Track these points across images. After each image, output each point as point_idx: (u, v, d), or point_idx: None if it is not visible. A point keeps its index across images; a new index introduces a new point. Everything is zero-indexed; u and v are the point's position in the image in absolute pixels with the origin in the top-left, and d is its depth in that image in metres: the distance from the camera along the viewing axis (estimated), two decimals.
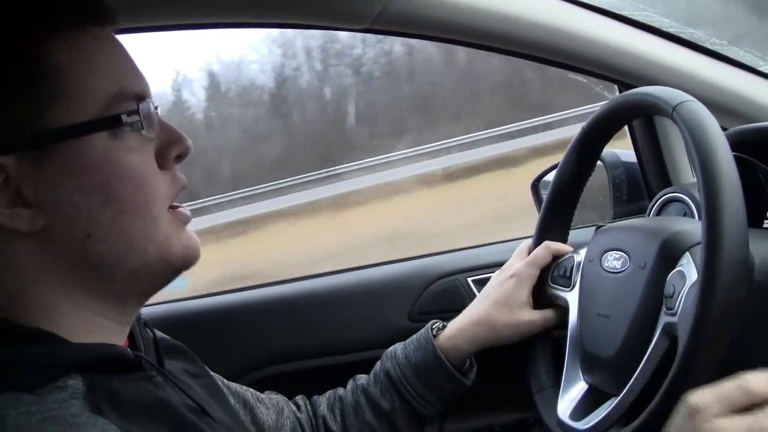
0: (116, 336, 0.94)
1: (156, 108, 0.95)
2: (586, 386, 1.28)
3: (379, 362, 1.45)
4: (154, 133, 0.92)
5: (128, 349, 0.93)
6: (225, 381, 1.29)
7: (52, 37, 0.86)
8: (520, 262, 1.45)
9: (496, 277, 1.47)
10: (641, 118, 1.75)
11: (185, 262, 0.95)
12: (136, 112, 0.89)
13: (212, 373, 1.24)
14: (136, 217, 0.89)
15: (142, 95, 0.92)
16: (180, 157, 0.96)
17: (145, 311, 1.05)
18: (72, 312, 0.89)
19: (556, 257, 1.42)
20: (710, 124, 1.07)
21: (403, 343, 1.45)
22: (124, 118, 0.88)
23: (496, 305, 1.41)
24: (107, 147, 0.87)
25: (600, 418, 1.18)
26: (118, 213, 0.88)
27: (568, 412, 1.26)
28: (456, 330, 1.41)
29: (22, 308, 0.87)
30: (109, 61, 0.90)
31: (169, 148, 0.95)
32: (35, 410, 0.77)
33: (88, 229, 0.87)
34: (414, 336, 1.44)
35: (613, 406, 1.16)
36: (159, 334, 1.12)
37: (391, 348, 1.46)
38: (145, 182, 0.90)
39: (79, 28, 0.88)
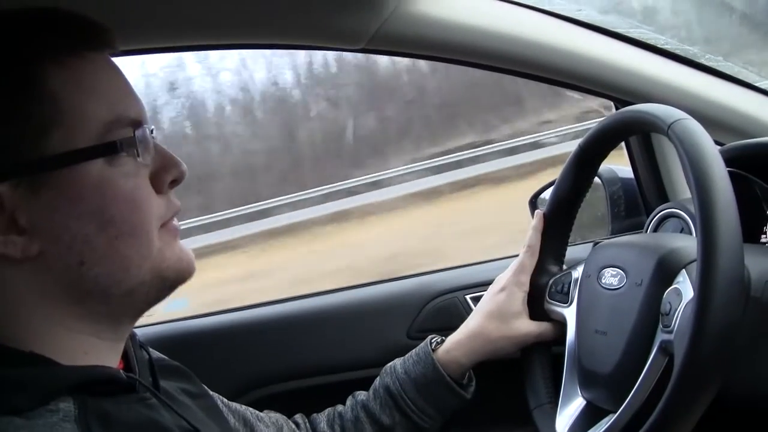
0: (110, 356, 0.94)
1: (152, 132, 0.95)
2: (584, 402, 1.28)
3: (378, 378, 1.45)
4: (149, 158, 0.93)
5: (121, 371, 0.92)
6: (225, 400, 1.29)
7: (49, 64, 0.86)
8: (509, 273, 1.45)
9: (489, 290, 1.48)
10: (638, 134, 1.76)
11: (179, 274, 0.95)
12: (132, 138, 0.90)
13: (212, 392, 1.24)
14: (132, 240, 0.89)
15: (138, 120, 0.92)
16: (175, 182, 0.97)
17: (145, 331, 1.06)
18: (65, 335, 0.88)
19: (553, 273, 1.43)
20: (705, 142, 1.08)
21: (402, 358, 1.45)
22: (120, 144, 0.88)
23: (490, 317, 1.42)
24: (103, 173, 0.87)
25: None
26: (114, 237, 0.88)
27: (566, 428, 1.26)
28: (454, 344, 1.42)
29: (14, 332, 0.87)
30: (105, 87, 0.90)
31: (164, 172, 0.95)
32: None
33: (84, 254, 0.87)
34: (413, 351, 1.45)
35: (610, 422, 1.16)
36: (156, 354, 1.12)
37: (390, 363, 1.46)
38: (140, 206, 0.90)
39: (77, 54, 0.88)
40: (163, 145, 0.97)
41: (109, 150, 0.87)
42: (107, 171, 0.87)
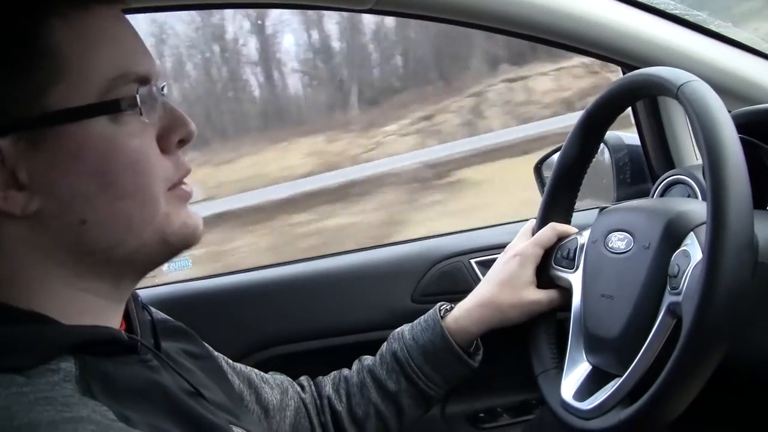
0: (111, 317, 0.93)
1: (162, 89, 0.93)
2: (590, 367, 1.28)
3: (385, 343, 1.45)
4: (155, 117, 0.91)
5: (123, 332, 0.92)
6: (229, 361, 1.29)
7: (52, 17, 0.84)
8: (524, 242, 1.45)
9: (500, 257, 1.47)
10: (645, 100, 1.75)
11: (184, 240, 0.93)
12: (136, 96, 0.87)
13: (216, 353, 1.24)
14: (134, 202, 0.88)
15: (146, 77, 0.90)
16: (183, 142, 0.94)
17: (148, 292, 1.05)
18: (66, 293, 0.88)
19: (561, 238, 1.42)
20: (715, 103, 1.07)
21: (410, 324, 1.45)
22: (123, 103, 0.86)
23: (501, 285, 1.41)
24: (106, 131, 0.85)
25: (603, 398, 1.18)
26: (116, 198, 0.86)
27: (572, 393, 1.26)
28: (463, 311, 1.41)
29: (15, 290, 0.86)
30: (111, 42, 0.88)
31: (172, 132, 0.93)
32: (27, 391, 0.76)
33: (84, 213, 0.86)
34: (422, 317, 1.44)
35: (616, 386, 1.16)
36: (159, 315, 1.12)
37: (398, 329, 1.46)
38: (145, 167, 0.88)
39: (83, 8, 0.86)
40: (172, 104, 0.94)
41: (111, 108, 0.85)
42: (110, 129, 0.85)
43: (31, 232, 0.85)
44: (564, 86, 10.15)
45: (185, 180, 0.95)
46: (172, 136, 0.93)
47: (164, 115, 0.93)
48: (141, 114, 0.88)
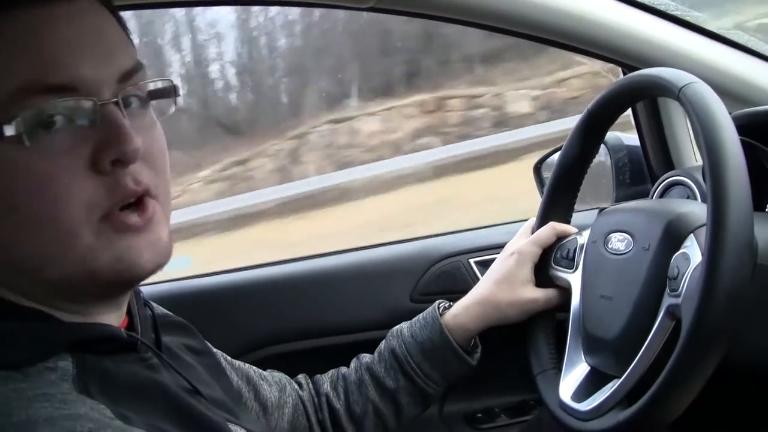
0: (111, 316, 0.91)
1: (117, 99, 0.82)
2: (588, 368, 1.28)
3: (384, 341, 1.45)
4: (72, 134, 0.80)
5: (122, 330, 0.90)
6: (228, 358, 1.29)
7: None
8: (523, 241, 1.45)
9: (499, 256, 1.47)
10: (645, 101, 1.75)
11: (118, 276, 0.84)
12: (45, 110, 0.78)
13: (215, 350, 1.24)
14: (45, 230, 0.79)
15: (65, 86, 0.79)
16: (118, 162, 0.81)
17: (147, 290, 1.04)
18: (50, 299, 0.85)
19: (560, 238, 1.42)
20: (716, 105, 1.07)
21: (409, 321, 1.45)
22: (22, 121, 0.76)
23: (498, 283, 1.41)
24: (10, 151, 0.77)
25: (602, 399, 1.18)
26: (23, 225, 0.79)
27: (570, 394, 1.26)
28: (461, 309, 1.41)
29: (17, 288, 0.85)
30: (25, 50, 0.78)
31: (104, 150, 0.81)
32: (25, 387, 0.76)
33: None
34: (420, 315, 1.44)
35: (615, 387, 1.16)
36: (161, 311, 1.12)
37: (396, 326, 1.46)
38: (53, 193, 0.78)
39: (6, 13, 0.78)
40: (117, 115, 0.82)
41: (3, 129, 0.77)
42: (13, 150, 0.77)
43: None
44: (392, 128, 9.80)
45: (147, 201, 0.85)
46: (104, 155, 0.80)
47: (102, 128, 0.81)
48: (44, 135, 0.78)
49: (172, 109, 0.93)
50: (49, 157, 0.78)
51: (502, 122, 9.73)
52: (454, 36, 10.06)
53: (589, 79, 9.49)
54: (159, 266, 0.86)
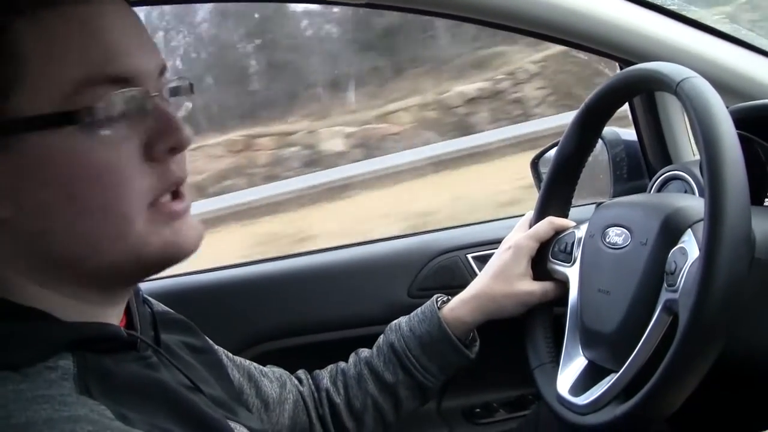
0: (110, 315, 0.91)
1: (161, 90, 0.87)
2: (586, 362, 1.28)
3: (382, 335, 1.45)
4: (131, 123, 0.83)
5: (122, 329, 0.90)
6: (230, 355, 1.29)
7: (19, 19, 0.78)
8: (520, 235, 1.45)
9: (497, 250, 1.48)
10: (642, 95, 1.75)
11: (165, 260, 0.87)
12: (108, 100, 0.80)
13: (217, 347, 1.24)
14: (100, 218, 0.82)
15: (126, 78, 0.82)
16: (174, 150, 0.86)
17: (146, 286, 1.04)
18: (55, 296, 0.85)
19: (558, 232, 1.43)
20: (714, 100, 1.07)
21: (407, 315, 1.46)
22: (84, 111, 0.79)
23: (495, 277, 1.42)
24: (71, 142, 0.79)
25: (599, 393, 1.18)
26: (79, 213, 0.81)
27: (568, 388, 1.26)
28: (458, 302, 1.42)
29: (11, 289, 0.84)
30: (83, 42, 0.80)
31: (161, 139, 0.85)
32: (24, 389, 0.76)
33: (46, 225, 0.81)
34: (419, 309, 1.45)
35: (612, 381, 1.17)
36: (160, 308, 1.12)
37: (395, 321, 1.46)
38: (114, 181, 0.81)
39: (51, 7, 0.80)
40: (167, 105, 0.87)
41: (68, 118, 0.79)
42: (75, 140, 0.79)
43: (6, 238, 0.82)
44: (197, 168, 9.26)
45: (182, 191, 0.89)
46: (161, 144, 0.85)
47: (155, 119, 0.85)
48: (105, 124, 0.80)
49: (187, 106, 0.94)
50: (109, 146, 0.81)
51: (315, 161, 9.52)
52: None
53: (415, 112, 9.57)
54: (198, 248, 0.90)
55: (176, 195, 0.88)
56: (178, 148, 0.86)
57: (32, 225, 0.81)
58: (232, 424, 0.96)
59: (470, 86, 9.99)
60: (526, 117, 9.59)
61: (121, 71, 0.82)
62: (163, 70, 0.88)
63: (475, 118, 9.77)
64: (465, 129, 9.48)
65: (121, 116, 0.82)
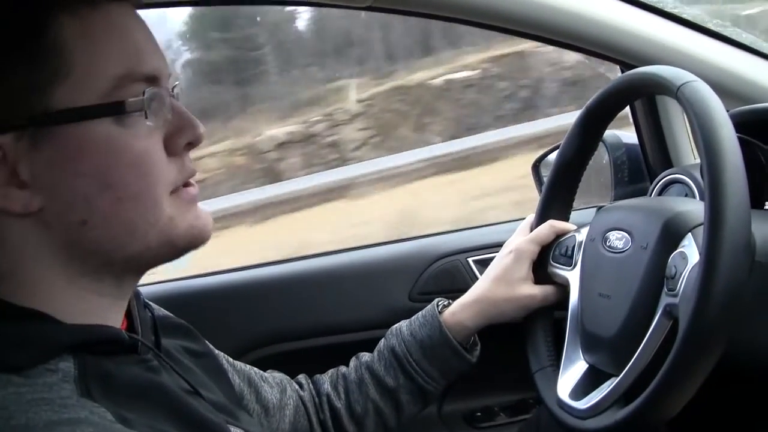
0: (113, 316, 0.92)
1: (173, 90, 0.93)
2: (587, 366, 1.28)
3: (383, 339, 1.45)
4: (161, 119, 0.89)
5: (123, 331, 0.91)
6: (230, 359, 1.29)
7: (61, 14, 0.82)
8: (521, 238, 1.45)
9: (498, 254, 1.47)
10: (643, 99, 1.75)
11: (191, 242, 0.92)
12: (142, 97, 0.86)
13: (217, 351, 1.24)
14: (137, 205, 0.86)
15: (154, 77, 0.88)
16: (190, 145, 0.93)
17: (146, 290, 1.05)
18: (67, 291, 0.87)
19: (559, 235, 1.42)
20: (715, 104, 1.07)
21: (408, 320, 1.45)
22: (127, 104, 0.85)
23: (496, 281, 1.42)
24: (110, 132, 0.84)
25: (600, 397, 1.18)
26: (117, 201, 0.85)
27: (568, 392, 1.26)
28: (459, 307, 1.42)
29: (17, 287, 0.85)
30: (120, 40, 0.86)
31: (180, 134, 0.91)
32: (24, 391, 0.76)
33: (85, 214, 0.84)
34: (420, 313, 1.45)
35: (612, 386, 1.17)
36: (161, 312, 1.12)
37: (396, 325, 1.46)
38: (148, 170, 0.87)
39: (93, 5, 0.84)
40: (181, 105, 0.93)
41: (115, 109, 0.84)
42: (115, 131, 0.84)
43: (33, 230, 0.85)
44: None
45: (191, 181, 0.95)
46: (180, 139, 0.91)
47: (173, 116, 0.91)
48: (146, 117, 0.86)
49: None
50: (142, 138, 0.87)
51: None
52: None
53: (224, 158, 9.38)
54: (211, 234, 0.96)
55: (186, 183, 0.94)
56: (194, 142, 0.94)
57: (69, 215, 0.85)
58: (233, 429, 0.97)
59: (281, 130, 9.74)
60: (342, 161, 9.30)
61: (151, 70, 0.88)
62: (170, 74, 0.93)
63: (285, 164, 9.50)
64: (274, 176, 9.28)
65: (152, 112, 0.87)
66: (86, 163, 0.84)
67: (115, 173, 0.85)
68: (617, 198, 1.79)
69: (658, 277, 1.14)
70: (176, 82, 0.95)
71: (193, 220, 0.92)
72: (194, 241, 0.93)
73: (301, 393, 1.41)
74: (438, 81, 10.05)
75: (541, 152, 1.93)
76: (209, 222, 0.95)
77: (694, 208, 1.17)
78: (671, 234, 1.15)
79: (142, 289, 1.06)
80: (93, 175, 0.84)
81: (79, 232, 0.85)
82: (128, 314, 0.98)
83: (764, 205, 1.34)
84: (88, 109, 0.83)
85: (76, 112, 0.82)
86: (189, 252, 0.94)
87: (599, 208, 1.38)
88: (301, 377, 1.46)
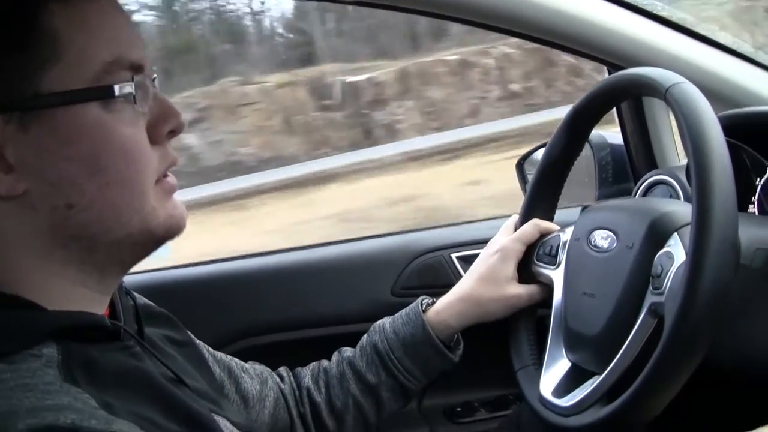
0: (96, 305, 0.92)
1: (154, 80, 0.93)
2: (569, 364, 1.28)
3: (366, 335, 1.45)
4: (147, 106, 0.90)
5: (106, 318, 0.91)
6: (210, 350, 1.29)
7: (52, 1, 0.83)
8: (506, 238, 1.45)
9: (482, 253, 1.47)
10: (630, 100, 1.75)
11: (169, 231, 0.93)
12: (130, 83, 0.87)
13: (198, 341, 1.23)
14: (124, 190, 0.87)
15: (140, 65, 0.89)
16: (173, 133, 0.94)
17: (129, 279, 1.04)
18: (50, 279, 0.87)
19: (543, 235, 1.43)
20: (703, 106, 1.08)
21: (391, 317, 1.45)
22: (116, 89, 0.85)
23: (481, 280, 1.42)
24: (99, 117, 0.84)
25: (582, 395, 1.18)
26: (105, 185, 0.85)
27: (551, 390, 1.26)
28: (444, 305, 1.41)
29: (9, 271, 0.85)
30: (109, 28, 0.87)
31: (163, 122, 0.92)
32: (7, 377, 0.76)
33: (72, 198, 0.85)
34: (403, 310, 1.44)
35: (596, 384, 1.17)
36: (142, 301, 1.12)
37: (379, 321, 1.46)
38: (136, 156, 0.87)
39: None
40: (162, 94, 0.94)
41: (104, 93, 0.84)
42: (103, 116, 0.85)
43: (16, 214, 0.85)
44: None
45: (168, 172, 0.95)
46: (163, 127, 0.92)
47: (155, 105, 0.92)
48: (135, 102, 0.87)
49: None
50: (129, 124, 0.87)
51: None
52: None
53: None
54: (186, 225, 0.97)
55: (166, 175, 0.95)
56: (176, 130, 0.94)
57: (55, 198, 0.85)
58: (216, 417, 0.97)
59: None
60: None
61: (137, 58, 0.89)
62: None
63: None
64: None
65: (139, 99, 0.88)
66: (75, 147, 0.84)
67: (104, 158, 0.85)
68: (601, 198, 1.80)
69: (643, 276, 1.14)
70: (154, 74, 0.95)
71: (171, 210, 0.93)
72: (171, 231, 0.93)
73: (282, 386, 1.40)
74: None
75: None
76: (185, 213, 0.95)
77: (680, 209, 1.18)
78: (657, 234, 1.16)
79: (123, 279, 1.05)
80: (81, 159, 0.84)
81: (64, 216, 0.85)
82: (110, 303, 0.98)
83: (748, 208, 1.35)
84: (78, 92, 0.83)
85: (66, 95, 0.83)
86: (165, 242, 0.94)
87: (584, 207, 1.38)
88: (282, 370, 1.45)
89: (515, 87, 12.57)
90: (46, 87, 0.82)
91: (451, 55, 12.56)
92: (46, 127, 0.83)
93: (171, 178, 0.95)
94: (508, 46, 12.60)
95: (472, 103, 12.35)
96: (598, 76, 1.92)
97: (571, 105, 1.37)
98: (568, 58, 11.13)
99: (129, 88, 0.86)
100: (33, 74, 0.82)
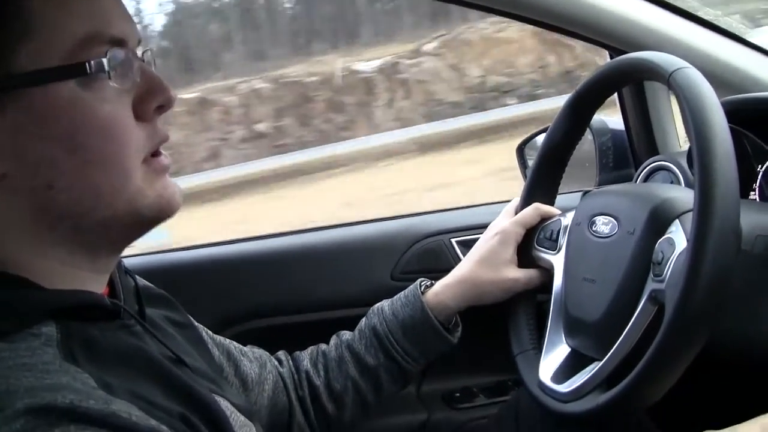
0: (93, 284, 0.91)
1: (143, 54, 0.92)
2: (569, 350, 1.28)
3: (364, 318, 1.45)
4: (129, 83, 0.88)
5: (106, 297, 0.90)
6: (209, 332, 1.29)
7: None
8: (507, 221, 1.45)
9: (483, 236, 1.47)
10: (631, 85, 1.74)
11: (159, 213, 0.91)
12: (105, 59, 0.84)
13: (197, 324, 1.23)
14: (104, 170, 0.85)
15: (121, 40, 0.87)
16: (162, 108, 0.91)
17: (130, 261, 1.04)
18: (43, 261, 0.86)
19: (544, 219, 1.42)
20: (707, 91, 1.07)
21: (390, 299, 1.45)
22: (90, 65, 0.83)
23: (480, 263, 1.42)
24: (75, 95, 0.83)
25: (582, 381, 1.18)
26: (84, 165, 0.84)
27: (550, 375, 1.26)
28: (442, 287, 1.42)
29: (2, 253, 0.85)
30: (84, 2, 0.84)
31: (149, 98, 0.90)
32: (6, 356, 0.76)
33: (51, 178, 0.83)
34: (402, 292, 1.45)
35: (595, 370, 1.17)
36: (142, 282, 1.11)
37: (377, 304, 1.46)
38: (116, 134, 0.85)
39: None
40: (151, 68, 0.92)
41: (78, 71, 0.83)
42: (80, 93, 0.83)
43: (3, 195, 0.84)
44: None
45: (161, 150, 0.93)
46: (150, 103, 0.90)
47: (141, 80, 0.90)
48: (110, 78, 0.85)
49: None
50: (109, 101, 0.85)
51: None
52: None
53: None
54: (181, 205, 0.95)
55: (157, 153, 0.92)
56: (166, 105, 0.92)
57: (35, 179, 0.83)
58: (217, 398, 0.96)
59: None
60: None
61: (118, 33, 0.87)
62: (140, 40, 0.93)
63: None
64: None
65: (118, 75, 0.86)
66: (52, 127, 0.82)
67: (82, 137, 0.84)
68: (602, 184, 1.79)
69: (644, 262, 1.14)
70: (147, 48, 0.93)
71: (161, 190, 0.91)
72: (162, 212, 0.91)
73: (281, 369, 1.40)
74: None
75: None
76: (177, 192, 0.93)
77: (682, 195, 1.18)
78: (659, 220, 1.15)
79: (124, 260, 1.04)
80: (59, 138, 0.83)
81: (45, 197, 0.84)
82: (110, 282, 0.98)
83: (749, 194, 1.35)
84: (51, 71, 0.81)
85: (39, 74, 0.81)
86: (157, 224, 0.93)
87: (585, 192, 1.37)
88: (281, 354, 1.45)
89: (261, 127, 12.34)
90: (19, 66, 0.81)
91: (189, 93, 12.31)
92: (20, 108, 0.81)
93: (163, 157, 0.93)
94: (261, 80, 12.44)
95: (211, 145, 12.19)
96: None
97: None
98: (327, 92, 11.10)
99: (102, 63, 0.84)
100: (5, 53, 0.80)
